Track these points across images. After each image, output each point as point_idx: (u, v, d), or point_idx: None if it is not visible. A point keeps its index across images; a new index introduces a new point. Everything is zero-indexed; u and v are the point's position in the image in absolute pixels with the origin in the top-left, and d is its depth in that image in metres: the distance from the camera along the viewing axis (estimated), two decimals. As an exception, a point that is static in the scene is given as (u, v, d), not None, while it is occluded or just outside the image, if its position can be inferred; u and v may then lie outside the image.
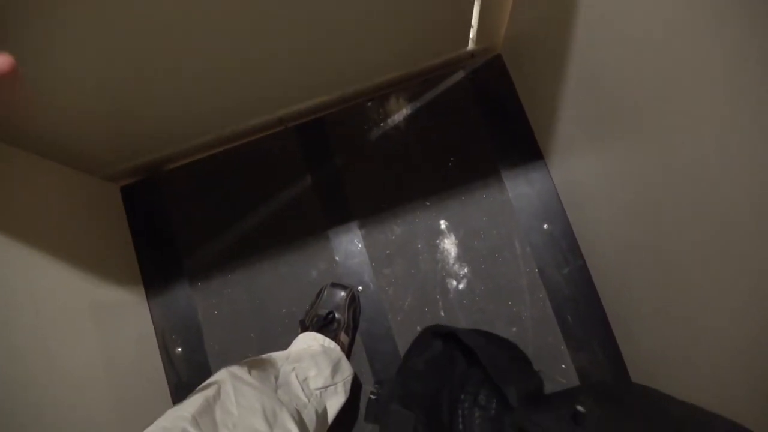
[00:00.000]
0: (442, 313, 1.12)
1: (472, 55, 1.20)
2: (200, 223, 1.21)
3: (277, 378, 0.90)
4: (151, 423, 0.62)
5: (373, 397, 1.07)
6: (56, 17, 0.68)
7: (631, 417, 0.57)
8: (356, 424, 1.10)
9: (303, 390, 0.90)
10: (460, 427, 0.81)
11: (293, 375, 0.91)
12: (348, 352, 1.10)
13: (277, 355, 0.95)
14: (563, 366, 1.09)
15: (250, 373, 0.82)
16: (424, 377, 0.88)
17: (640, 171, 0.78)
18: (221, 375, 0.77)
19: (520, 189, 1.15)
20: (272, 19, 0.85)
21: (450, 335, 0.92)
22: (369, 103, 1.21)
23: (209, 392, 0.71)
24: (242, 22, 0.84)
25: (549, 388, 1.05)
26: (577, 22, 0.78)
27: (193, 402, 0.68)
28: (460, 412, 0.87)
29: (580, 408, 0.55)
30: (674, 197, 0.70)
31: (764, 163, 0.50)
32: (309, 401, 0.89)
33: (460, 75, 1.20)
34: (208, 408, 0.68)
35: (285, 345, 1.04)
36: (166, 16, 0.76)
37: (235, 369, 0.80)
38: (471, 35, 1.15)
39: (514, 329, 1.11)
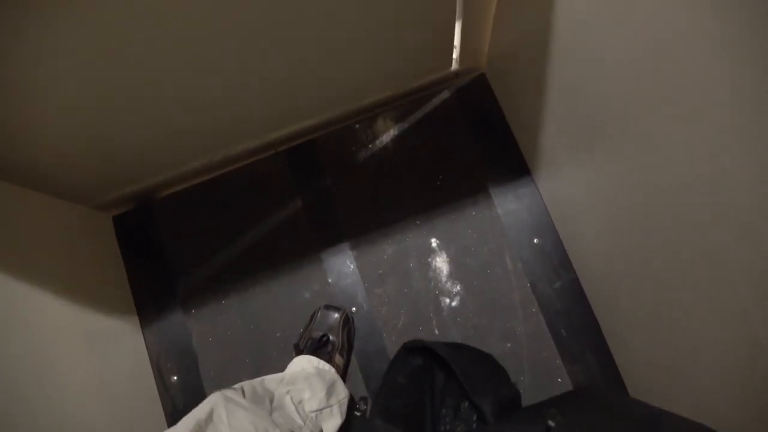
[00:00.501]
0: (437, 331, 1.12)
1: (456, 74, 1.22)
2: (193, 249, 1.21)
3: (272, 401, 0.90)
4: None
5: (357, 413, 1.07)
6: (44, 45, 0.69)
7: (596, 424, 0.58)
8: (354, 446, 1.09)
9: (298, 413, 0.90)
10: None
11: (288, 398, 0.91)
12: (344, 373, 1.10)
13: (271, 378, 0.95)
14: (559, 380, 1.09)
15: (243, 395, 0.82)
16: (405, 392, 0.89)
17: (623, 184, 0.79)
18: (214, 398, 0.77)
19: (508, 205, 1.16)
20: (258, 45, 0.87)
21: (427, 350, 0.92)
22: (357, 125, 1.23)
23: (201, 415, 0.71)
24: (228, 49, 0.85)
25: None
26: (555, 40, 0.80)
27: (184, 425, 0.68)
28: (442, 426, 0.87)
29: (550, 423, 0.56)
30: (658, 208, 0.71)
31: (747, 170, 0.51)
32: (305, 424, 0.89)
33: (445, 94, 1.22)
34: (199, 431, 0.68)
35: (280, 368, 1.04)
36: (154, 44, 0.77)
37: (229, 392, 0.80)
38: (454, 55, 1.17)
39: (509, 345, 1.11)
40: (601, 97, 0.74)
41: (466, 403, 0.89)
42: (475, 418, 0.87)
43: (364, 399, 1.09)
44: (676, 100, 0.57)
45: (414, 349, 0.95)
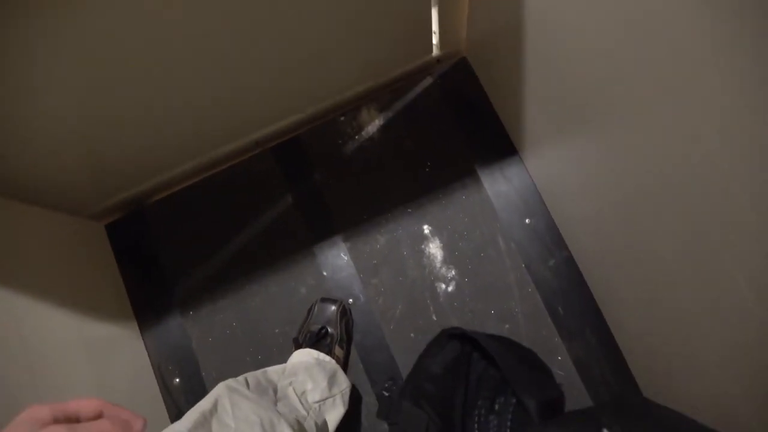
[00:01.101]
0: (434, 317, 1.13)
1: (438, 60, 1.22)
2: (186, 252, 1.21)
3: (275, 392, 0.90)
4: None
5: (386, 393, 1.06)
6: (32, 56, 0.70)
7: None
8: (359, 436, 1.09)
9: (302, 403, 0.90)
10: (475, 432, 0.80)
11: (290, 389, 0.92)
12: (344, 365, 1.10)
13: (273, 370, 0.96)
14: (559, 358, 1.09)
15: (248, 386, 0.82)
16: (439, 378, 0.88)
17: (607, 159, 0.79)
18: (218, 389, 0.78)
19: (498, 187, 1.17)
20: (238, 45, 0.87)
21: (467, 338, 0.91)
22: (342, 118, 1.23)
23: (206, 406, 0.71)
24: (210, 50, 0.86)
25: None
26: (529, 18, 0.81)
27: (189, 417, 0.68)
28: (476, 417, 0.86)
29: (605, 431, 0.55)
30: (643, 183, 0.71)
31: (739, 148, 0.51)
32: (308, 414, 0.90)
33: (428, 81, 1.22)
34: (204, 422, 0.69)
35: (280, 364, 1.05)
36: (139, 49, 0.77)
37: (232, 383, 0.80)
38: (434, 41, 1.17)
39: (507, 326, 1.11)
40: (581, 73, 0.74)
41: (502, 398, 0.87)
42: (510, 414, 0.85)
43: (393, 379, 1.10)
44: (654, 75, 0.57)
45: (453, 335, 0.94)
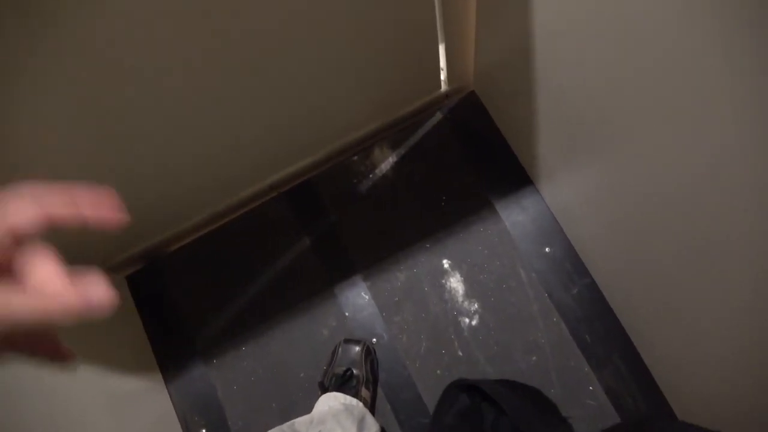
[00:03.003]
0: (460, 353, 1.11)
1: (446, 95, 1.23)
2: (207, 300, 1.21)
3: (304, 444, 0.89)
4: None
5: None
6: (47, 107, 0.71)
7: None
8: (391, 480, 1.07)
9: (331, 453, 0.89)
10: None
11: (319, 439, 0.91)
12: (372, 406, 1.09)
13: (300, 421, 0.95)
14: (590, 388, 1.07)
15: None
16: (455, 429, 0.87)
17: (621, 184, 0.79)
18: None
19: (515, 217, 1.16)
20: (253, 91, 0.89)
21: (474, 388, 0.91)
22: (355, 157, 1.24)
23: None
24: (225, 98, 0.87)
25: (579, 414, 1.04)
26: (534, 51, 0.81)
27: None
28: None
29: None
30: (658, 205, 0.71)
31: (737, 164, 0.51)
32: (339, 463, 0.88)
33: (438, 116, 1.23)
34: None
35: (307, 409, 1.03)
36: (153, 105, 0.79)
37: None
38: (442, 77, 1.18)
39: (534, 358, 1.09)
40: (586, 100, 0.74)
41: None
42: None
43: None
44: (656, 98, 0.58)
45: (460, 387, 0.94)
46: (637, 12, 0.53)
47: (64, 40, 0.61)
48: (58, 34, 0.60)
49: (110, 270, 1.21)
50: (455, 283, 1.15)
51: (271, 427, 0.92)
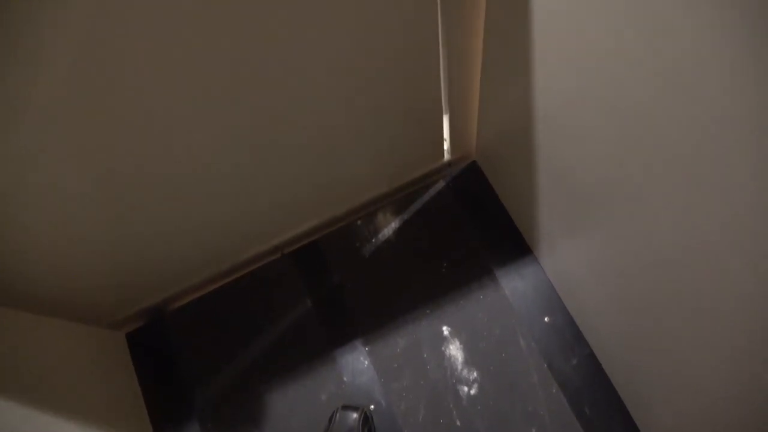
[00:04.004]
0: (458, 422, 1.10)
1: (449, 164, 1.28)
2: (206, 360, 1.21)
3: None
4: None
5: None
6: (48, 160, 0.74)
7: None
8: None
9: None
10: None
11: None
12: (368, 476, 1.07)
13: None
14: (590, 462, 1.06)
15: None
16: None
17: (620, 254, 0.81)
18: None
19: (514, 285, 1.18)
20: (260, 156, 0.92)
21: None
22: (359, 222, 1.27)
23: None
24: (233, 163, 0.91)
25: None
26: (535, 124, 0.85)
27: None
28: None
29: None
30: (658, 276, 0.73)
31: (732, 237, 0.53)
32: None
33: (441, 184, 1.27)
34: None
35: (302, 478, 1.02)
36: (158, 171, 0.82)
37: None
38: (445, 147, 1.23)
39: (534, 430, 1.08)
40: (587, 176, 0.77)
41: None
42: None
43: None
44: (657, 175, 0.61)
45: None
46: (638, 91, 0.56)
47: (67, 93, 0.65)
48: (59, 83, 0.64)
49: (110, 327, 1.21)
50: (455, 351, 1.15)
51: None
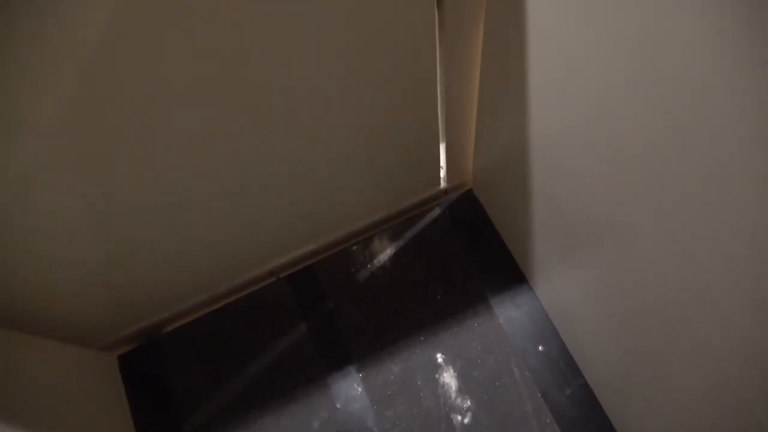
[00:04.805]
0: (451, 452, 1.09)
1: (445, 192, 1.29)
2: (199, 383, 1.20)
3: None
4: None
5: None
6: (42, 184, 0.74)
7: None
8: None
9: None
10: None
11: None
12: (359, 506, 1.05)
13: None
14: (584, 495, 1.05)
15: None
16: None
17: (614, 284, 0.82)
18: None
19: (509, 313, 1.18)
20: (260, 180, 0.93)
21: None
22: (355, 247, 1.27)
23: None
24: (230, 192, 0.92)
25: None
26: (530, 154, 0.87)
27: None
28: None
29: None
30: (650, 307, 0.73)
31: (717, 270, 0.54)
32: None
33: (437, 211, 1.28)
34: None
35: (292, 507, 1.00)
36: (156, 188, 0.83)
37: None
38: (442, 175, 1.24)
39: (527, 460, 1.07)
40: (581, 204, 0.78)
41: None
42: None
43: None
44: (647, 211, 0.62)
45: None
46: (631, 129, 0.57)
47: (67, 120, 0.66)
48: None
49: (102, 348, 1.20)
50: (449, 378, 1.15)
51: None
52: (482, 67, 0.91)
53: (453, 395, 1.13)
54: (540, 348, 1.15)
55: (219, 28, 0.62)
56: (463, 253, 1.24)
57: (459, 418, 1.12)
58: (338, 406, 1.15)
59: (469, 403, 1.13)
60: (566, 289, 1.04)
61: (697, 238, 0.55)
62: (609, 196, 0.70)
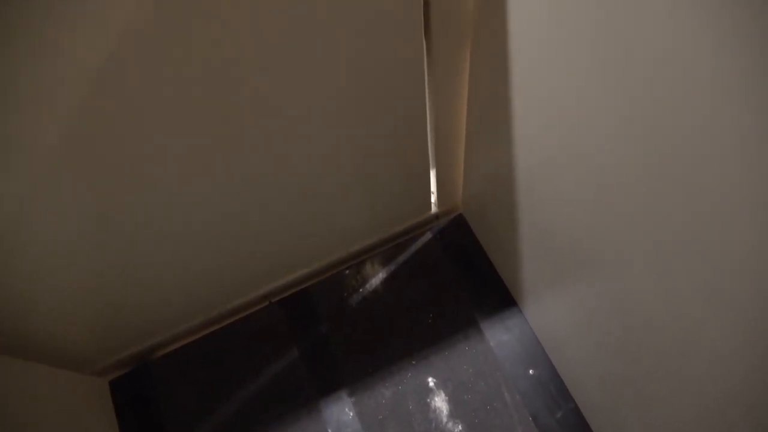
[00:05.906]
0: (443, 477, 1.09)
1: (436, 216, 1.31)
2: (190, 408, 1.20)
3: None
4: None
5: None
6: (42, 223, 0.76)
7: None
8: None
9: None
10: None
11: None
12: None
13: None
14: None
15: None
16: None
17: (603, 309, 0.83)
18: None
19: (499, 337, 1.19)
20: (252, 205, 0.95)
21: None
22: (347, 271, 1.28)
23: None
24: (224, 213, 0.93)
25: None
26: (518, 180, 0.89)
27: None
28: None
29: None
30: (639, 332, 0.75)
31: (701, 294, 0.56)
32: None
33: (428, 236, 1.30)
34: None
35: None
36: (149, 213, 0.84)
37: None
38: (432, 200, 1.26)
39: (518, 485, 1.07)
40: (570, 229, 0.80)
41: None
42: None
43: None
44: (630, 232, 0.64)
45: None
46: (614, 156, 0.59)
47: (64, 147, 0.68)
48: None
49: (93, 373, 1.20)
50: (440, 402, 1.15)
51: None
52: (469, 96, 0.94)
53: (444, 419, 1.14)
54: (530, 372, 1.16)
55: (212, 60, 0.64)
56: (454, 277, 1.26)
57: (450, 442, 1.12)
58: (329, 431, 1.15)
59: (460, 427, 1.13)
60: (556, 313, 1.06)
61: (685, 267, 0.57)
62: (595, 224, 0.72)
